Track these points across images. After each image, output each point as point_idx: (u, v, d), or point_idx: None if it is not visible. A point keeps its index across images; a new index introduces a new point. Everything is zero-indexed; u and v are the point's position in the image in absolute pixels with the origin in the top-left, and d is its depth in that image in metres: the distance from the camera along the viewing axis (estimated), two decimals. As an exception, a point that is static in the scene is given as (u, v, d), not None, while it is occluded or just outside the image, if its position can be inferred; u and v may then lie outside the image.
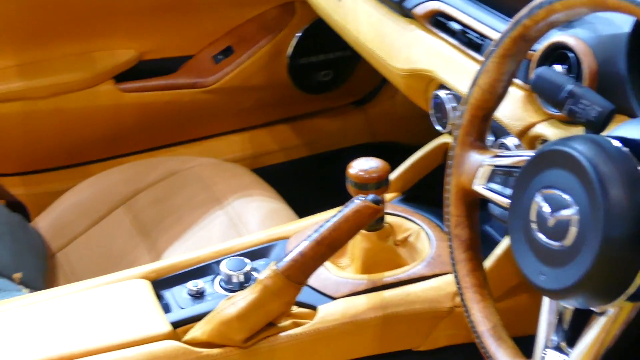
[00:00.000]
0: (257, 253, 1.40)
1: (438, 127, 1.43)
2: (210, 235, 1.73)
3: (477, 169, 1.06)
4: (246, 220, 1.74)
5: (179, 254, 1.69)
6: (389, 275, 1.32)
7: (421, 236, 1.40)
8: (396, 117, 2.32)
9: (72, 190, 1.93)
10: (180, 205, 1.83)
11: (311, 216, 1.50)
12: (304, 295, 1.25)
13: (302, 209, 1.92)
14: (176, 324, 1.25)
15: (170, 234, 1.77)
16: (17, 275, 1.64)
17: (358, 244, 1.34)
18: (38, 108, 2.02)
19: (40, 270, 1.74)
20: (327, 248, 1.18)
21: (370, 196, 1.19)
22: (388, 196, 1.49)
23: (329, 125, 2.33)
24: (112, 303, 1.28)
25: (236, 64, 2.16)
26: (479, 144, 1.08)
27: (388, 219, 1.38)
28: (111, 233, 1.82)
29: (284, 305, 1.21)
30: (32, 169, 2.08)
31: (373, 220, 1.22)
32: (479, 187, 1.06)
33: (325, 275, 1.32)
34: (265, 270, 1.20)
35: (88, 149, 2.11)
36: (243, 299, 1.19)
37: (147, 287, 1.31)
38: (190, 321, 1.25)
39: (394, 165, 1.46)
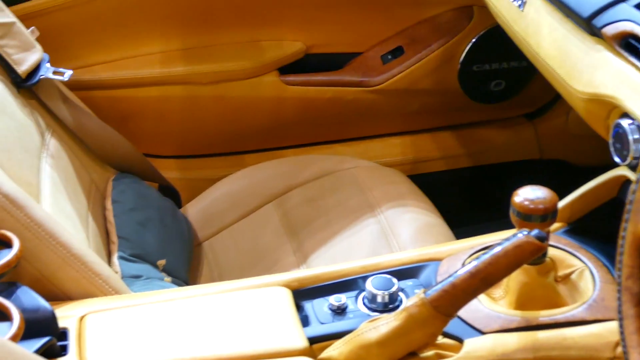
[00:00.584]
0: (406, 272, 1.33)
1: (616, 159, 1.32)
2: (359, 243, 1.69)
3: (659, 218, 0.96)
4: (398, 232, 1.68)
5: (325, 260, 1.67)
6: (545, 315, 1.22)
7: (585, 275, 1.30)
8: (568, 135, 2.21)
9: (226, 179, 1.92)
10: (332, 207, 1.80)
11: (468, 239, 1.42)
12: (451, 325, 1.18)
13: (459, 221, 1.87)
14: (313, 340, 1.20)
15: (319, 237, 1.74)
16: (161, 262, 1.63)
17: (515, 276, 1.25)
18: (200, 93, 2.01)
19: (184, 258, 1.73)
20: (481, 282, 1.10)
21: (535, 231, 1.10)
22: (553, 226, 1.38)
23: (495, 137, 2.24)
24: (251, 309, 1.24)
25: (405, 66, 2.10)
26: (665, 190, 0.97)
27: (550, 252, 1.29)
28: (259, 228, 1.81)
29: (429, 336, 1.14)
30: (188, 154, 2.08)
31: (534, 258, 1.14)
32: (660, 239, 0.96)
33: (476, 307, 1.24)
34: (412, 297, 1.13)
35: (245, 139, 2.10)
36: (386, 324, 1.13)
37: (288, 296, 1.27)
38: (329, 338, 1.20)
39: (560, 186, 1.37)
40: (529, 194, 1.22)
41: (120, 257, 1.57)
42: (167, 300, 1.27)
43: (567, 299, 1.27)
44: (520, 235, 1.11)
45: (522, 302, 1.25)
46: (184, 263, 1.72)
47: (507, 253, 1.10)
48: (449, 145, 2.21)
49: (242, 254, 1.77)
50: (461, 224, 1.88)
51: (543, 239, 1.11)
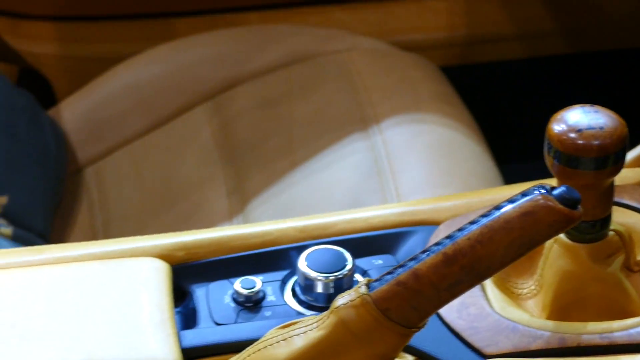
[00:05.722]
0: (377, 243, 1.35)
1: None
2: (333, 183, 1.73)
3: None
4: (400, 167, 1.70)
5: (275, 208, 1.72)
6: (596, 330, 1.21)
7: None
8: None
9: (130, 62, 1.96)
10: (299, 119, 1.84)
11: (500, 188, 1.44)
12: (428, 340, 1.20)
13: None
14: (194, 353, 1.22)
15: (271, 168, 1.78)
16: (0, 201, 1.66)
17: (554, 261, 1.25)
18: None
19: (45, 195, 1.77)
20: (463, 272, 1.07)
21: (562, 189, 1.08)
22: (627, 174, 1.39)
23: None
24: (98, 296, 1.26)
25: None
26: None
27: (619, 219, 1.28)
28: (177, 147, 1.86)
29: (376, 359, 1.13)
30: (72, 14, 2.09)
31: (561, 232, 1.11)
32: None
33: (480, 310, 1.24)
34: (348, 292, 1.11)
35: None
36: (303, 335, 1.12)
37: (164, 275, 1.28)
38: (223, 351, 1.22)
39: None
40: (578, 118, 1.20)
41: None
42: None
43: (645, 303, 1.28)
44: (536, 193, 1.08)
45: (564, 304, 1.25)
46: (44, 202, 1.74)
47: (508, 224, 1.07)
48: (532, 15, 2.21)
49: (146, 190, 1.80)
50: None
51: (575, 202, 1.08)
